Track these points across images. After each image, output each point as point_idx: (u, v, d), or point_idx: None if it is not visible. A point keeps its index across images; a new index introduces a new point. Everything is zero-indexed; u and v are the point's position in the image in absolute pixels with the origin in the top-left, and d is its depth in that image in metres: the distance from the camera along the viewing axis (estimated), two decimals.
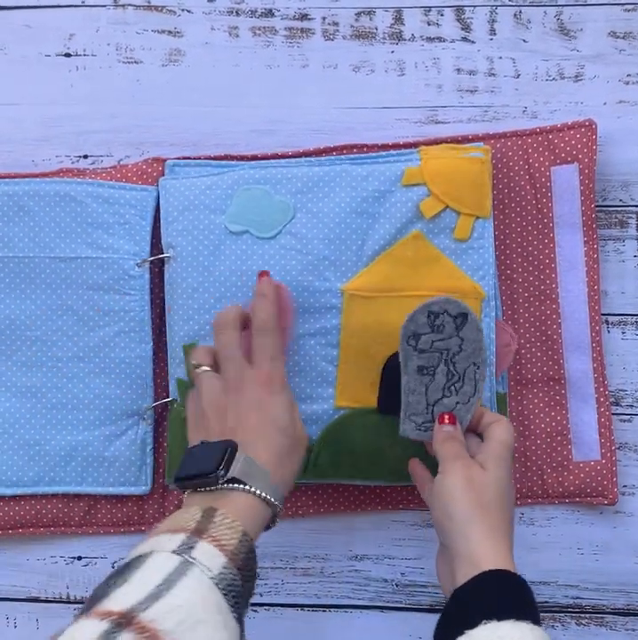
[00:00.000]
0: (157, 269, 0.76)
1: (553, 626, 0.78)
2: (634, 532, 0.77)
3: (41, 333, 0.75)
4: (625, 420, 0.77)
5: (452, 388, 0.66)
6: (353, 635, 0.79)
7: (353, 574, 0.79)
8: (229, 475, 0.57)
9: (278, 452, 0.61)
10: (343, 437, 0.72)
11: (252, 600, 0.77)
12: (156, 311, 0.77)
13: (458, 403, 0.66)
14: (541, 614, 0.77)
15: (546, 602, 0.78)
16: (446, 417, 0.66)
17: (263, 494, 0.57)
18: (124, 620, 0.45)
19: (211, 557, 0.51)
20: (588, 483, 0.76)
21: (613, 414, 0.77)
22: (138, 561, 0.51)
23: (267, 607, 0.79)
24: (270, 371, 0.63)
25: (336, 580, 0.79)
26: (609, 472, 0.76)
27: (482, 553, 0.58)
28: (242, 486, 0.57)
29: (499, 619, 0.52)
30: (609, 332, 0.77)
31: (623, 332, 0.77)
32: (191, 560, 0.50)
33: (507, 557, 0.58)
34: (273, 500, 0.58)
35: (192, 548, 0.51)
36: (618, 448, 0.77)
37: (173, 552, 0.50)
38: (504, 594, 0.56)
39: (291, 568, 0.79)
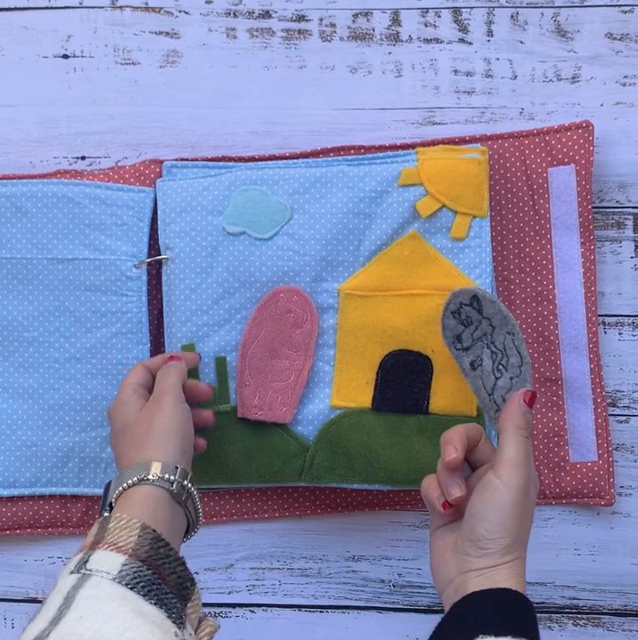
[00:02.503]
0: (155, 271, 0.76)
1: (550, 627, 0.78)
2: (630, 532, 0.78)
3: (38, 334, 0.75)
4: (621, 421, 0.77)
5: (500, 366, 0.65)
6: (350, 635, 0.79)
7: (350, 575, 0.79)
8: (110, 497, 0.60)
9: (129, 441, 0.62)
10: (338, 438, 0.72)
11: (250, 600, 0.78)
12: (154, 312, 0.77)
13: (512, 378, 0.64)
14: (538, 615, 0.77)
15: (543, 602, 0.78)
16: (528, 396, 0.61)
17: (166, 486, 0.58)
18: None
19: (107, 561, 0.52)
20: (585, 483, 0.76)
21: (610, 415, 0.77)
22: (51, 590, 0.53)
23: (264, 608, 0.79)
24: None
25: (333, 581, 0.79)
26: (605, 473, 0.76)
27: (505, 569, 0.57)
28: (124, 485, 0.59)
29: (497, 634, 0.52)
30: (605, 332, 0.77)
31: (620, 333, 0.77)
32: (87, 572, 0.52)
33: (524, 578, 0.58)
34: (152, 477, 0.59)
35: (87, 561, 0.53)
36: (615, 449, 0.77)
37: (71, 572, 0.52)
38: (506, 612, 0.55)
39: (288, 569, 0.79)
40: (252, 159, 0.76)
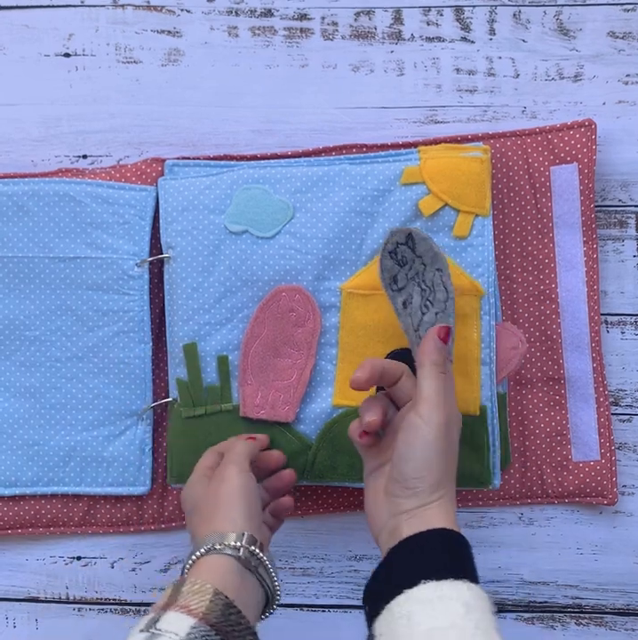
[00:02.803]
0: (157, 270, 0.76)
1: (552, 626, 0.78)
2: (633, 531, 0.77)
3: (40, 333, 0.75)
4: (624, 420, 0.77)
5: (427, 302, 0.65)
6: (352, 635, 0.79)
7: (352, 574, 0.79)
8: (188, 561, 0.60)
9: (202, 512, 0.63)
10: (340, 437, 0.72)
11: None
12: (156, 311, 0.77)
13: (436, 313, 0.64)
14: (541, 614, 0.78)
15: (546, 602, 0.78)
16: (442, 331, 0.62)
17: (233, 553, 0.59)
18: None
19: (177, 622, 0.53)
20: (588, 483, 0.76)
21: (612, 414, 0.77)
22: None
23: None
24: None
25: (335, 581, 0.79)
26: (608, 472, 0.76)
27: (435, 507, 0.57)
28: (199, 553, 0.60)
29: (439, 578, 0.52)
30: (608, 331, 0.77)
31: (622, 332, 0.77)
32: (156, 631, 0.52)
33: (444, 513, 0.58)
34: (231, 549, 0.59)
35: (157, 620, 0.53)
36: (618, 448, 0.77)
37: (140, 631, 0.53)
38: (444, 553, 0.55)
39: (290, 568, 0.79)
40: (254, 158, 0.76)
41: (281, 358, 0.73)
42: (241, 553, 0.59)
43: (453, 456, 0.60)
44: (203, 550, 0.59)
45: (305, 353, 0.72)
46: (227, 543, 0.59)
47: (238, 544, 0.59)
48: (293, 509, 0.71)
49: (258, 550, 0.59)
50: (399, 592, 0.53)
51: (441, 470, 0.58)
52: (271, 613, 0.63)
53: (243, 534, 0.59)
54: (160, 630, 0.52)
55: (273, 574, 0.61)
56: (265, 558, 0.60)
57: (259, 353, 0.72)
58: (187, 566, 0.60)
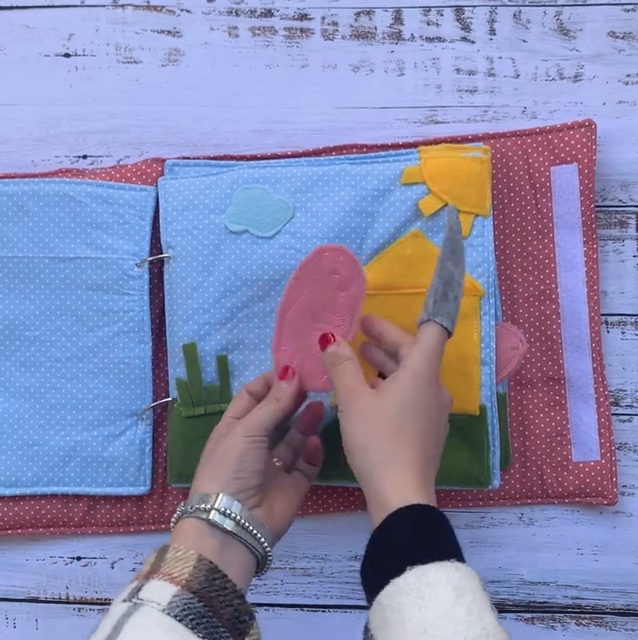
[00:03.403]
0: (157, 269, 0.76)
1: (552, 626, 0.78)
2: (633, 532, 0.77)
3: (40, 333, 0.75)
4: (624, 421, 0.77)
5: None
6: (352, 635, 0.78)
7: (352, 574, 0.79)
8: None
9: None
10: (340, 436, 0.72)
11: (252, 600, 0.77)
12: (156, 311, 0.77)
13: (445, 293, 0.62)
14: (541, 614, 0.77)
15: (546, 602, 0.78)
16: (327, 337, 0.63)
17: (204, 516, 0.58)
18: None
19: (159, 591, 0.53)
20: (588, 483, 0.76)
21: (613, 414, 0.77)
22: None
23: (266, 607, 0.79)
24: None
25: (336, 581, 0.79)
26: (608, 472, 0.76)
27: (386, 490, 0.55)
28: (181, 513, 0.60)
29: (424, 562, 0.50)
30: (608, 332, 0.77)
31: (622, 332, 0.77)
32: (138, 601, 0.52)
33: (415, 488, 0.55)
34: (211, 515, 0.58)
35: (139, 589, 0.53)
36: (618, 448, 0.77)
37: (123, 600, 0.53)
38: (421, 531, 0.53)
39: (290, 568, 0.79)
40: (254, 158, 0.76)
41: (320, 323, 0.67)
42: (211, 516, 0.58)
43: (430, 423, 0.58)
44: (178, 513, 0.59)
45: (348, 319, 0.67)
46: (199, 506, 0.58)
47: (207, 506, 0.58)
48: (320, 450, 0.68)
49: (231, 512, 0.58)
50: (386, 582, 0.51)
51: (379, 464, 0.56)
52: (264, 573, 0.62)
53: (218, 497, 0.59)
54: (142, 600, 0.52)
55: (254, 532, 0.59)
56: (243, 520, 0.59)
57: (296, 317, 0.67)
58: (171, 528, 0.60)
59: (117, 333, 0.75)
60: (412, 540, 0.52)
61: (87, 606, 0.79)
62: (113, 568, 0.79)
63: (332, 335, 0.64)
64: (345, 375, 0.61)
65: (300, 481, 0.67)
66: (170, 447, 0.75)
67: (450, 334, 0.62)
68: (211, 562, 0.55)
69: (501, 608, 0.78)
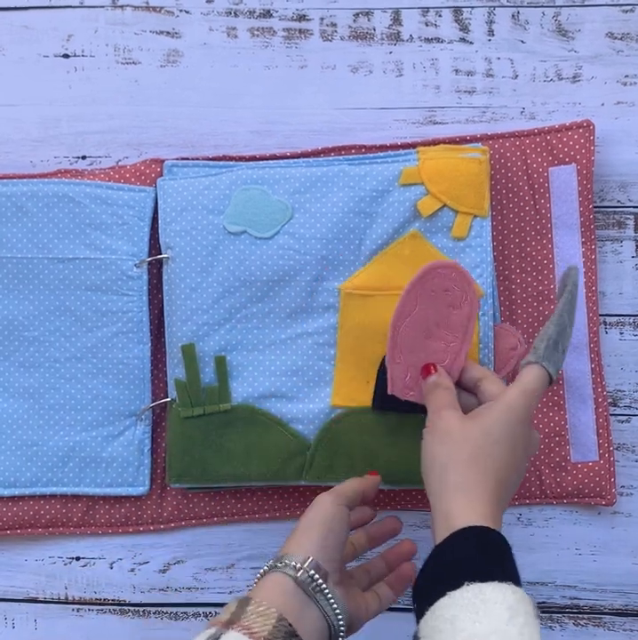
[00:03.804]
0: (156, 270, 0.76)
1: (550, 626, 0.78)
2: (631, 532, 0.77)
3: (39, 334, 0.75)
4: (623, 421, 0.77)
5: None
6: (351, 635, 0.78)
7: None
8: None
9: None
10: (338, 437, 0.72)
11: None
12: (155, 312, 0.77)
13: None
14: (539, 614, 0.77)
15: (544, 602, 0.78)
16: (429, 368, 0.65)
17: (291, 573, 0.58)
18: None
19: None
20: (586, 483, 0.76)
21: (611, 415, 0.77)
22: None
23: None
24: None
25: None
26: (606, 473, 0.76)
27: (457, 509, 0.56)
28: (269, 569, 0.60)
29: (482, 580, 0.51)
30: (606, 332, 0.77)
31: (621, 333, 0.77)
32: None
33: (485, 514, 0.56)
34: (304, 577, 0.58)
35: (218, 638, 0.53)
36: (616, 448, 0.77)
37: None
38: (485, 553, 0.54)
39: None
40: (253, 158, 0.76)
41: (433, 340, 0.68)
42: (299, 574, 0.58)
43: (514, 458, 0.59)
44: (265, 567, 0.59)
45: (460, 337, 0.68)
46: (288, 562, 0.59)
47: (298, 565, 0.58)
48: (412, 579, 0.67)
49: (318, 576, 0.59)
50: (442, 594, 0.52)
51: (454, 486, 0.57)
52: None
53: (308, 558, 0.59)
54: None
55: (334, 606, 0.59)
56: (325, 587, 0.59)
57: (409, 331, 0.68)
58: (255, 582, 0.60)
59: (116, 334, 0.75)
60: (474, 558, 0.54)
61: (86, 606, 0.79)
62: (112, 568, 0.79)
63: (434, 366, 0.66)
64: (438, 398, 0.63)
65: (375, 598, 0.67)
66: (169, 447, 0.75)
67: (551, 382, 0.62)
68: (290, 624, 0.55)
69: None
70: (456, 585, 0.52)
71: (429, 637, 0.51)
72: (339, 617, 0.60)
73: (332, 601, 0.59)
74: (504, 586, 0.51)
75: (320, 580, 0.59)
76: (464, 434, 0.59)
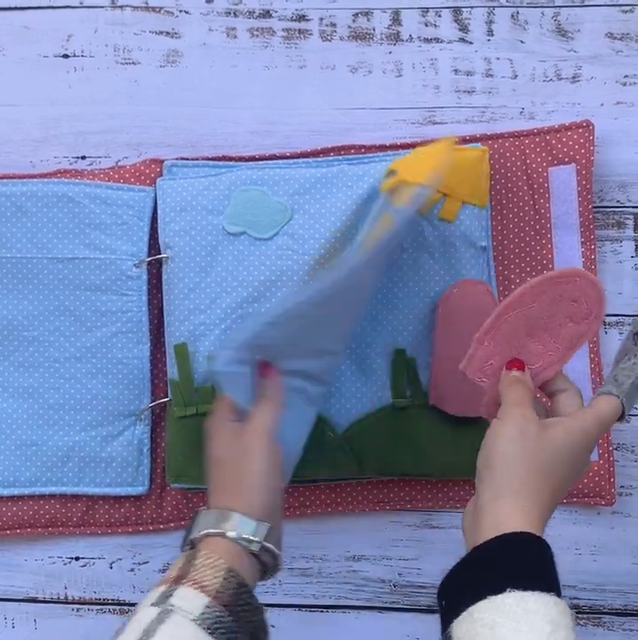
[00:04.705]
0: (155, 270, 0.76)
1: None
2: (631, 532, 0.77)
3: (38, 334, 0.75)
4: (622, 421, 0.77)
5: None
6: (350, 635, 0.79)
7: (350, 575, 0.79)
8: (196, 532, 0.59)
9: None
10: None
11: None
12: (154, 312, 0.77)
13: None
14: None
15: None
16: (518, 363, 0.62)
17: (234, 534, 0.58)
18: None
19: (191, 600, 0.52)
20: (586, 483, 0.76)
21: None
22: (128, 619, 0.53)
23: (264, 607, 0.79)
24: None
25: (333, 581, 0.79)
26: (606, 473, 0.76)
27: (510, 512, 0.54)
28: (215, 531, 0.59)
29: (525, 588, 0.50)
30: (606, 332, 0.77)
31: (620, 333, 0.77)
32: (169, 607, 0.51)
33: (535, 526, 0.54)
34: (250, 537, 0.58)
35: (170, 595, 0.52)
36: (616, 449, 0.77)
37: (152, 605, 0.52)
38: (532, 561, 0.53)
39: (288, 568, 0.79)
40: (253, 158, 0.76)
41: (533, 339, 0.63)
42: (252, 546, 0.58)
43: (569, 480, 0.58)
44: (217, 530, 0.58)
45: (562, 350, 0.64)
46: (239, 533, 0.58)
47: (251, 537, 0.58)
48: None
49: (270, 544, 0.58)
50: (482, 597, 0.50)
51: (517, 489, 0.56)
52: (268, 578, 0.62)
53: (257, 524, 0.58)
54: (173, 606, 0.51)
55: (277, 554, 0.60)
56: (274, 548, 0.59)
57: (514, 323, 0.63)
58: (197, 536, 0.58)
59: (116, 334, 0.75)
60: (520, 564, 0.52)
61: (86, 606, 0.79)
62: (111, 568, 0.79)
63: (522, 364, 0.62)
64: (519, 394, 0.60)
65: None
66: (167, 447, 0.75)
67: (621, 419, 0.60)
68: (239, 575, 0.55)
69: None
70: (498, 590, 0.50)
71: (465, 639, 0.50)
72: (278, 560, 0.60)
73: (277, 553, 0.59)
74: (547, 597, 0.50)
75: (270, 546, 0.58)
76: (540, 443, 0.57)
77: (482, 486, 0.56)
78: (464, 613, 0.51)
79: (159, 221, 0.74)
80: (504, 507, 0.55)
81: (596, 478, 0.76)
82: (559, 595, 0.52)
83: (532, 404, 0.59)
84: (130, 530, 0.78)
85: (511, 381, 0.61)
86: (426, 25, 0.77)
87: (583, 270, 0.62)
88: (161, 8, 0.78)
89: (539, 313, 0.62)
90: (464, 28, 0.77)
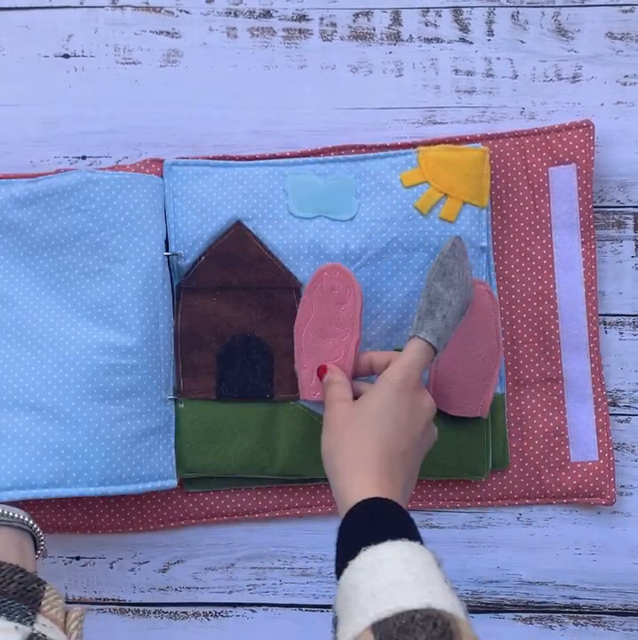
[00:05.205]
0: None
1: (550, 626, 0.78)
2: (631, 532, 0.78)
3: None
4: (622, 421, 0.77)
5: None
6: None
7: None
8: None
9: None
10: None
11: (251, 600, 0.78)
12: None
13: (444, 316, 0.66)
14: (539, 614, 0.78)
15: (544, 602, 0.78)
16: (324, 368, 0.69)
17: None
18: None
19: None
20: (586, 483, 0.76)
21: (610, 415, 0.77)
22: None
23: (265, 607, 0.79)
24: None
25: (334, 581, 0.78)
26: (606, 472, 0.76)
27: (344, 490, 0.59)
28: None
29: (376, 543, 0.53)
30: (606, 332, 0.77)
31: (620, 333, 0.77)
32: None
33: (373, 485, 0.59)
34: None
35: None
36: (616, 448, 0.77)
37: None
38: (375, 519, 0.56)
39: (289, 568, 0.79)
40: (253, 158, 0.76)
41: (328, 338, 0.71)
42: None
43: (399, 429, 0.62)
44: None
45: (349, 329, 0.71)
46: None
47: None
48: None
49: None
50: (345, 566, 0.54)
51: (342, 465, 0.61)
52: (41, 550, 0.66)
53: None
54: None
55: (19, 517, 0.64)
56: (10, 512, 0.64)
57: (309, 336, 0.72)
58: None
59: None
60: (366, 526, 0.56)
61: (86, 606, 0.79)
62: (112, 568, 0.79)
63: (325, 367, 0.69)
64: (329, 394, 0.66)
65: None
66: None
67: (435, 350, 0.65)
68: (16, 565, 0.58)
69: (499, 608, 0.78)
70: (354, 555, 0.53)
71: (341, 610, 0.53)
72: (27, 520, 0.64)
73: (11, 513, 0.64)
74: (397, 542, 0.53)
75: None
76: (345, 419, 0.63)
77: (330, 475, 0.62)
78: (339, 586, 0.54)
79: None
80: (338, 487, 0.60)
81: (596, 478, 0.76)
82: (413, 539, 0.54)
83: (344, 394, 0.66)
84: (130, 530, 0.78)
85: (325, 385, 0.68)
86: (427, 25, 0.77)
87: (320, 267, 0.71)
88: (161, 8, 0.78)
89: (320, 316, 0.71)
90: (464, 28, 0.77)
